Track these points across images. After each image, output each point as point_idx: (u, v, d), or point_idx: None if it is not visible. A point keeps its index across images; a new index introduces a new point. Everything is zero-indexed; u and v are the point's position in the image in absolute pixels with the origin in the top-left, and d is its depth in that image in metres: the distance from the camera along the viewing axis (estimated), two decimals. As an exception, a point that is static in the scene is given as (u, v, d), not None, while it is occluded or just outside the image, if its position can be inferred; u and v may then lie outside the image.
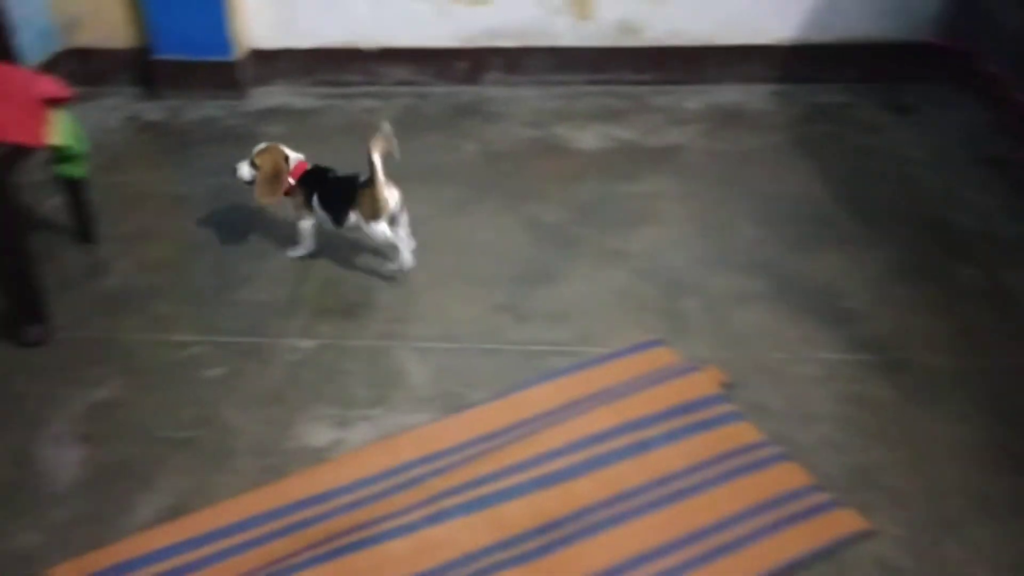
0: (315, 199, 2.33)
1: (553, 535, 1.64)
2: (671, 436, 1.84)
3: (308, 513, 1.68)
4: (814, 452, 1.82)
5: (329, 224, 2.34)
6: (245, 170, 2.34)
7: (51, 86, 2.13)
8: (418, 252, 2.44)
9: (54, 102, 2.15)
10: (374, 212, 2.25)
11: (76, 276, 2.40)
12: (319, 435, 1.88)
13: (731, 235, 2.54)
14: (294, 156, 2.35)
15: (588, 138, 3.10)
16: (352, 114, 3.30)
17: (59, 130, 2.15)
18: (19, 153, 2.02)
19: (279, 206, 2.47)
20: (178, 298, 2.32)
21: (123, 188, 2.82)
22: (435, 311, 2.26)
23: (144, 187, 2.87)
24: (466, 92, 3.44)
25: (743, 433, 1.85)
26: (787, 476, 1.76)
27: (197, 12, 3.22)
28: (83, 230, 2.53)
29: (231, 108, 3.33)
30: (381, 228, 2.26)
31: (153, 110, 3.33)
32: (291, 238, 2.48)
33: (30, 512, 1.71)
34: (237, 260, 2.46)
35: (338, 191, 2.31)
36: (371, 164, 2.21)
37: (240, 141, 3.11)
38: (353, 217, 2.28)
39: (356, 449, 1.84)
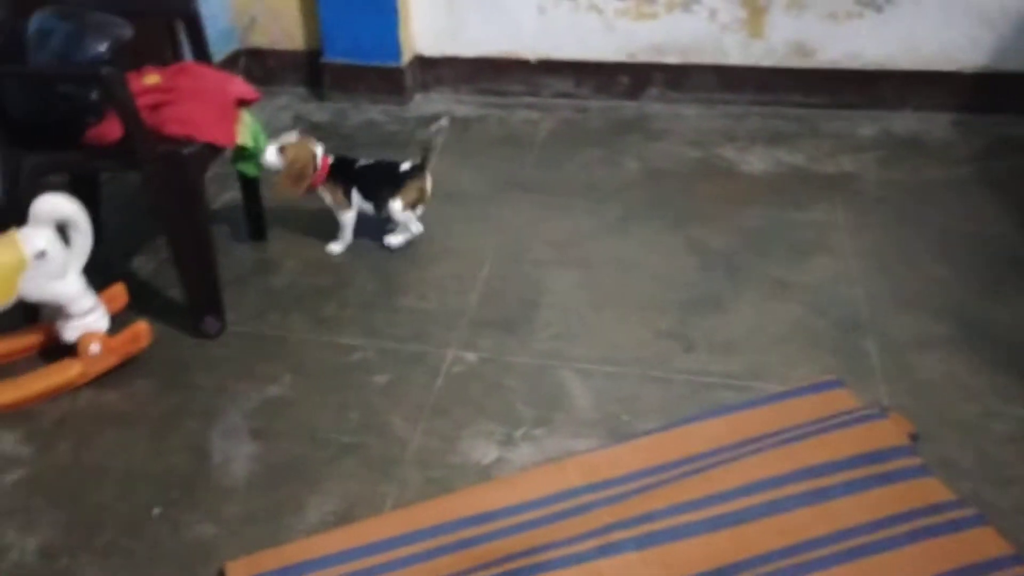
0: (354, 191, 2.42)
1: (727, 582, 1.56)
2: (852, 487, 1.73)
3: (475, 531, 1.66)
4: (1012, 516, 1.68)
5: (369, 212, 2.45)
6: (272, 155, 2.34)
7: (243, 87, 2.20)
8: (581, 270, 2.41)
9: (243, 103, 2.21)
10: (418, 200, 2.42)
11: (247, 272, 2.47)
12: (484, 452, 1.86)
13: (911, 273, 2.39)
14: (319, 150, 2.41)
15: (754, 161, 3.00)
16: (511, 125, 3.29)
17: (245, 130, 2.21)
18: (212, 152, 2.08)
19: (303, 198, 2.48)
20: (343, 301, 2.35)
21: (291, 187, 2.88)
22: (598, 332, 2.21)
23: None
24: (627, 107, 3.38)
25: (932, 490, 1.73)
26: (983, 542, 1.62)
27: (369, 18, 3.28)
28: (254, 227, 2.60)
29: (393, 114, 3.38)
30: (415, 215, 2.45)
31: (319, 111, 3.41)
32: (444, 249, 2.48)
33: (206, 504, 1.75)
34: (399, 266, 2.48)
35: (379, 179, 2.41)
36: (426, 153, 2.43)
37: (401, 147, 3.15)
38: (395, 204, 2.39)
39: (522, 470, 1.81)
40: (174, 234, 2.11)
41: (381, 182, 2.42)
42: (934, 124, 3.17)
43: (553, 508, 1.71)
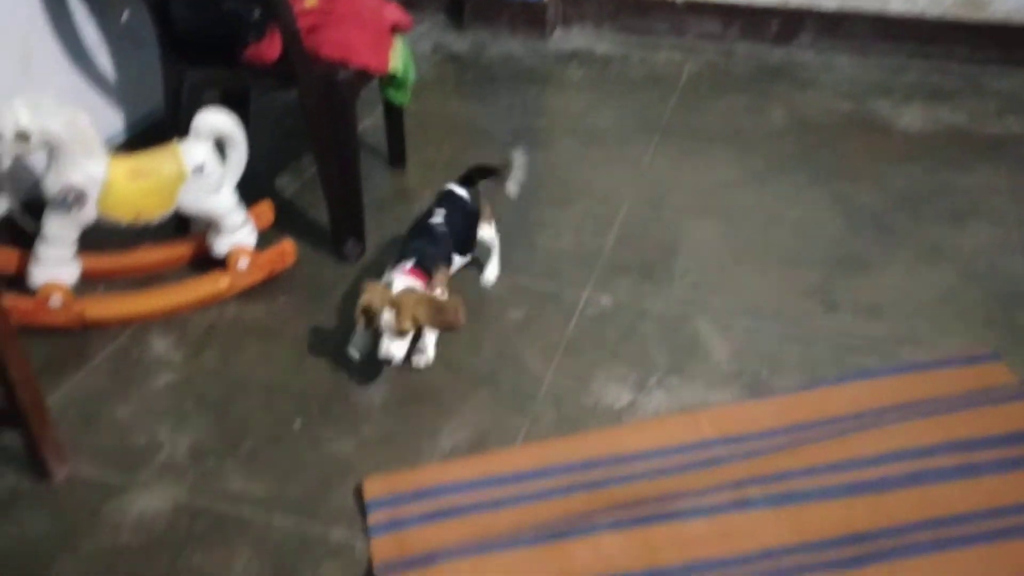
0: (455, 258, 1.98)
1: (865, 548, 1.51)
2: (1006, 465, 1.64)
3: (607, 473, 1.66)
4: None
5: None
6: (396, 349, 1.77)
7: (398, 13, 2.19)
8: (722, 219, 2.35)
9: (396, 29, 2.21)
10: (491, 211, 2.11)
11: (387, 199, 2.49)
12: (616, 395, 1.84)
13: (1081, 247, 2.24)
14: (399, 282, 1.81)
15: (911, 117, 2.84)
16: (653, 65, 3.20)
17: (397, 57, 2.21)
18: (365, 77, 2.09)
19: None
20: (479, 234, 2.35)
21: (429, 117, 2.89)
22: (738, 285, 2.15)
23: (449, 118, 2.94)
24: (775, 53, 3.24)
25: (1094, 477, 1.63)
26: None
27: (515, -52, 3.22)
28: (395, 155, 2.62)
29: (533, 48, 3.33)
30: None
31: (459, 42, 3.39)
32: (581, 189, 2.44)
33: (344, 422, 1.79)
34: (538, 203, 2.46)
35: (457, 228, 1.97)
36: (508, 167, 2.08)
37: (541, 83, 3.11)
38: (485, 231, 2.08)
39: (655, 416, 1.79)
40: (323, 157, 2.14)
41: (461, 227, 1.99)
42: (1116, 87, 2.93)
43: (686, 458, 1.69)
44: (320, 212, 2.30)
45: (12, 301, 1.91)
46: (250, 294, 2.10)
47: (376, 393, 1.86)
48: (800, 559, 1.50)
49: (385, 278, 1.85)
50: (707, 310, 2.07)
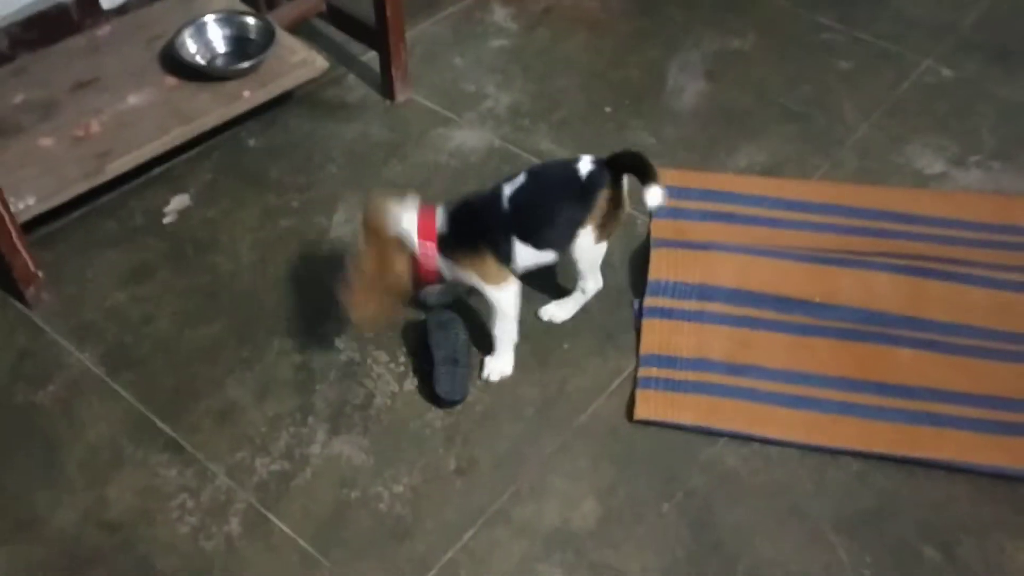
0: (514, 246, 1.36)
1: None
2: None
3: (897, 227, 1.64)
4: None
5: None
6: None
7: None
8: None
9: None
10: (614, 222, 1.39)
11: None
12: (930, 162, 1.78)
13: None
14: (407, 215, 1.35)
15: None
16: None
17: None
18: None
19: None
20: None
21: None
22: (1105, 91, 1.93)
23: None
24: None
25: None
26: None
27: None
28: None
29: None
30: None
31: None
32: None
33: (651, 118, 1.87)
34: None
35: (552, 206, 1.37)
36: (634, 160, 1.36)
37: None
38: (583, 238, 1.38)
39: (965, 190, 1.72)
40: None
41: (558, 208, 1.37)
42: None
43: (984, 235, 1.62)
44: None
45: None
46: (589, -13, 2.17)
47: (687, 101, 1.91)
48: (1079, 356, 1.44)
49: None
50: (1058, 107, 1.89)
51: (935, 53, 2.01)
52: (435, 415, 1.40)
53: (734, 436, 1.37)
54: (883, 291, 1.51)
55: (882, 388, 1.41)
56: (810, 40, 2.06)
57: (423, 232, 1.34)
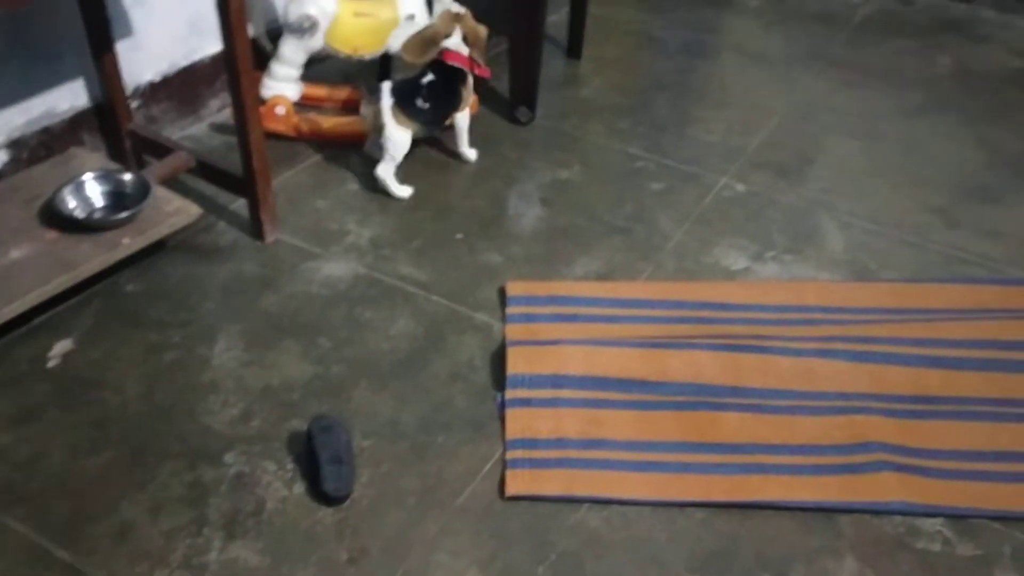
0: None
1: (928, 407, 1.72)
2: (1081, 370, 1.80)
3: (712, 314, 1.92)
4: None
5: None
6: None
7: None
8: (865, 141, 2.51)
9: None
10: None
11: (559, 82, 2.79)
12: (734, 260, 2.09)
13: None
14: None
15: (1080, 81, 2.88)
16: (831, 4, 3.33)
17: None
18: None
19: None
20: (637, 120, 2.61)
21: (610, 21, 3.15)
22: (866, 194, 2.33)
23: (627, 25, 3.18)
24: (956, 8, 3.31)
25: None
26: None
27: None
28: (572, 46, 2.90)
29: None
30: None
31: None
32: (738, 97, 2.65)
33: (497, 241, 2.12)
34: (694, 102, 2.70)
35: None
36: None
37: (719, 6, 3.30)
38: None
39: (765, 280, 2.03)
40: (515, 28, 2.44)
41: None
42: None
43: (784, 315, 1.93)
44: (501, 84, 2.62)
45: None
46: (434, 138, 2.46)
47: (527, 224, 2.18)
48: (868, 404, 1.72)
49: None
50: (832, 209, 2.27)
51: (730, 172, 2.38)
52: (325, 512, 1.52)
53: (595, 501, 1.55)
54: (707, 367, 1.77)
55: (715, 447, 1.64)
56: (626, 168, 2.40)
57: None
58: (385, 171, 2.22)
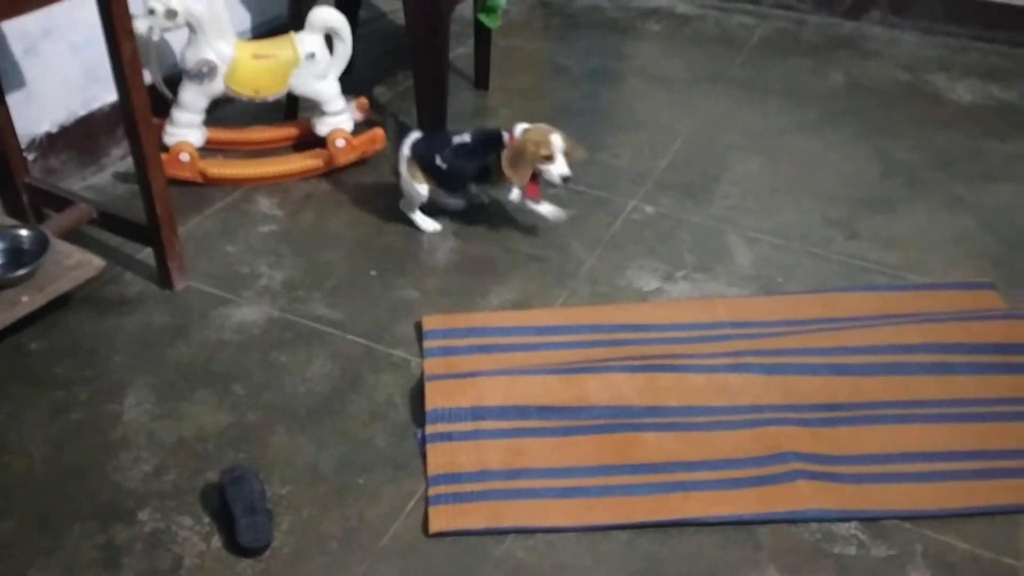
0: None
1: (838, 414, 1.77)
2: (977, 368, 1.87)
3: (627, 336, 1.95)
4: None
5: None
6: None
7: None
8: (767, 158, 2.59)
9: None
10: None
11: (468, 113, 2.81)
12: (646, 281, 2.13)
13: (1098, 212, 2.42)
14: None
15: (963, 91, 3.02)
16: (726, 27, 3.44)
17: (490, -19, 2.52)
18: (462, -7, 2.40)
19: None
20: (546, 149, 2.65)
21: (516, 51, 3.19)
22: (770, 210, 2.40)
23: (533, 54, 3.24)
24: (845, 26, 3.45)
25: (1056, 387, 1.85)
26: (1093, 435, 1.75)
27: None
28: (479, 77, 2.94)
29: (618, 2, 3.59)
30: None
31: (551, -8, 3.68)
32: (643, 121, 2.71)
33: (412, 276, 2.12)
34: (602, 129, 2.75)
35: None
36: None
37: (621, 33, 3.38)
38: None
39: (677, 299, 2.07)
40: (419, 61, 2.46)
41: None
42: None
43: (696, 333, 1.96)
44: (409, 118, 2.63)
45: (149, 152, 2.28)
46: (343, 172, 2.45)
47: (441, 257, 2.19)
48: (782, 414, 1.76)
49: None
50: (738, 226, 2.33)
51: (638, 195, 2.43)
52: (245, 564, 1.48)
53: (520, 531, 1.55)
54: (624, 389, 1.79)
55: (635, 468, 1.66)
56: (543, 193, 2.42)
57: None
58: (406, 207, 2.24)
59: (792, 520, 1.58)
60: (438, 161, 2.16)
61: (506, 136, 2.16)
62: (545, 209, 2.25)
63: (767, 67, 3.16)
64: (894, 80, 3.09)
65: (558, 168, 2.13)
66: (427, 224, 2.25)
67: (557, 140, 2.13)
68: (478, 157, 2.17)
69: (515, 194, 2.22)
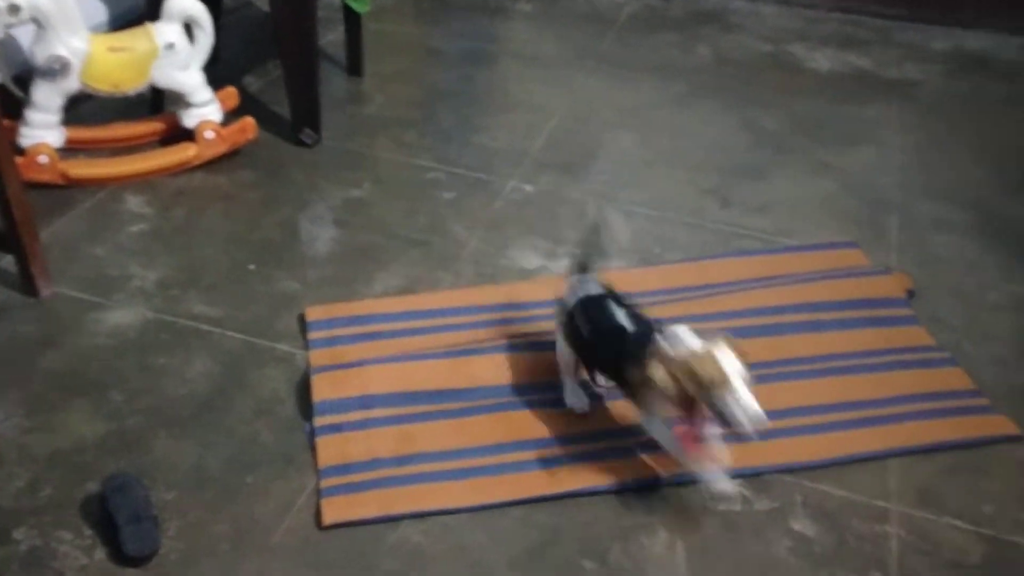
0: None
1: (719, 377, 1.83)
2: (845, 324, 1.97)
3: (512, 315, 1.96)
4: (982, 366, 1.90)
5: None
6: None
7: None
8: (640, 133, 2.64)
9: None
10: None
11: (342, 100, 2.77)
12: (529, 259, 2.15)
13: (948, 170, 2.57)
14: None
15: (821, 60, 3.15)
16: (596, 4, 3.49)
17: (356, -34, 2.48)
18: (326, -23, 2.36)
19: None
20: (424, 132, 2.64)
21: (388, 36, 3.16)
22: (647, 183, 2.46)
23: (405, 38, 3.21)
24: (709, 1, 3.54)
25: (916, 336, 1.96)
26: (950, 377, 1.86)
27: None
28: (352, 64, 2.89)
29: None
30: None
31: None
32: (518, 101, 2.72)
33: (293, 268, 2.08)
34: (478, 111, 2.75)
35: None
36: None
37: (492, 14, 3.39)
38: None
39: (558, 276, 2.09)
40: (286, 49, 2.41)
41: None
42: (1007, 46, 3.27)
43: (581, 306, 1.99)
44: (281, 108, 2.58)
45: (3, 154, 2.16)
46: (215, 165, 2.38)
47: (322, 247, 2.15)
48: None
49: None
50: (615, 200, 2.37)
51: (516, 175, 2.45)
52: (132, 574, 1.43)
53: (414, 516, 1.55)
54: (513, 367, 1.81)
55: (528, 443, 1.68)
56: (417, 180, 2.41)
57: None
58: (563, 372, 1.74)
59: (682, 483, 1.63)
60: (581, 324, 1.62)
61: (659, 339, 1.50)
62: (723, 484, 1.54)
63: (637, 43, 3.22)
64: (758, 52, 3.20)
65: (742, 400, 1.40)
66: (571, 398, 1.75)
67: (730, 360, 1.42)
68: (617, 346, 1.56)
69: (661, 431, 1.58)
